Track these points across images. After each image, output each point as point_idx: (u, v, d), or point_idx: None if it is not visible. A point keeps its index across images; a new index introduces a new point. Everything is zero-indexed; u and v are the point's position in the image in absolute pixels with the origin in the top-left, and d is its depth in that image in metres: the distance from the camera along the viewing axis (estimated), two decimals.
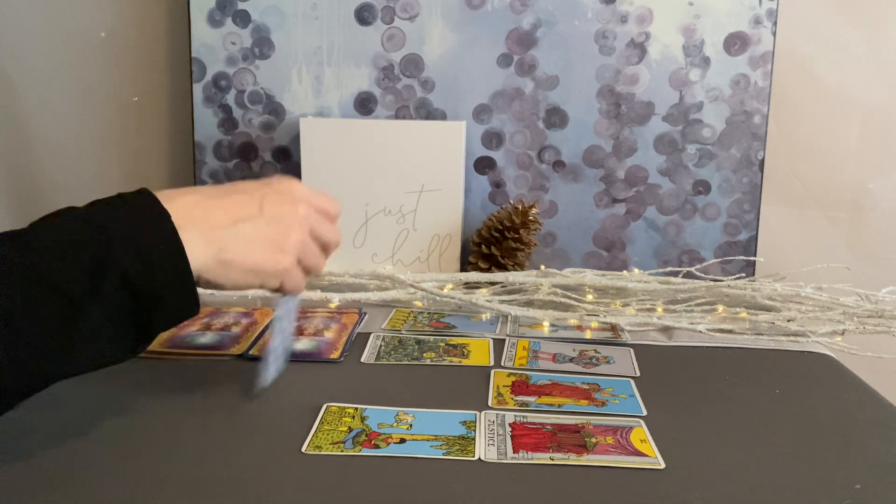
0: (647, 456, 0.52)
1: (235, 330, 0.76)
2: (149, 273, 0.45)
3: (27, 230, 0.45)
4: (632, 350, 0.73)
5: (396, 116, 0.99)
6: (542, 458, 0.51)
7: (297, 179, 0.57)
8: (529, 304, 0.83)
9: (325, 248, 0.58)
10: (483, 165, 0.99)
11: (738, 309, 0.81)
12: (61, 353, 0.43)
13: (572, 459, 0.51)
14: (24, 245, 0.44)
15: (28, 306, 0.42)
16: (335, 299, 0.85)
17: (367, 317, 0.82)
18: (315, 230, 0.56)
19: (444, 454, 0.51)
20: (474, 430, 0.55)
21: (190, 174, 1.02)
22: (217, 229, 0.50)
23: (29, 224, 0.46)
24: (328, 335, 0.75)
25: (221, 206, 0.51)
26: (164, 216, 0.47)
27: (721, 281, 0.84)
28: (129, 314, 0.45)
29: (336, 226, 0.59)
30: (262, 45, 0.98)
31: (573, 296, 0.82)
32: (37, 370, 0.43)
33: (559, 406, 0.60)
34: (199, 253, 0.48)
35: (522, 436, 0.54)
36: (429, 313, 0.83)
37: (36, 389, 0.44)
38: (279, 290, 0.55)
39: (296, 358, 0.69)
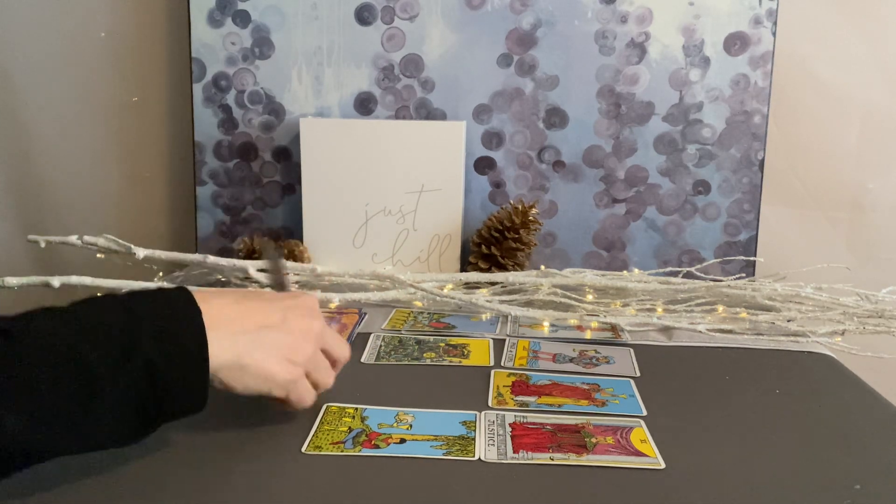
0: (647, 456, 0.52)
1: None
2: (170, 364, 0.47)
3: (66, 308, 0.47)
4: (632, 350, 0.73)
5: (396, 116, 0.99)
6: (542, 458, 0.51)
7: (314, 296, 0.60)
8: (529, 304, 0.83)
9: (335, 364, 0.60)
10: (483, 165, 0.99)
11: (738, 309, 0.81)
12: (73, 429, 0.44)
13: (572, 459, 0.51)
14: (59, 320, 0.45)
15: (52, 379, 0.43)
16: (335, 299, 0.85)
17: (367, 317, 0.82)
18: (328, 345, 0.59)
19: (444, 454, 0.51)
20: (474, 430, 0.55)
21: (190, 174, 1.02)
22: (241, 334, 0.52)
23: (70, 303, 0.48)
24: None
25: (249, 310, 0.54)
26: (196, 313, 0.49)
27: (721, 281, 0.84)
28: (142, 402, 0.46)
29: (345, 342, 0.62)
30: (262, 45, 0.98)
31: (573, 296, 0.82)
32: (47, 442, 0.44)
33: (559, 406, 0.60)
34: (221, 354, 0.50)
35: (522, 436, 0.54)
36: (429, 313, 0.83)
37: (39, 460, 0.45)
38: (285, 400, 0.56)
39: None
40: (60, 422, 0.44)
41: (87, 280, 0.81)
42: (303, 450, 0.52)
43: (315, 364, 0.57)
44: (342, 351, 0.60)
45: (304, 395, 0.56)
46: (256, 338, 0.53)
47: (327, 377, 0.59)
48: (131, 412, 0.46)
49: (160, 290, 0.51)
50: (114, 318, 0.47)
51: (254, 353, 0.52)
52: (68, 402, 0.43)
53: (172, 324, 0.48)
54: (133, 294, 0.50)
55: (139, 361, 0.45)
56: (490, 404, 0.60)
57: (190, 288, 0.52)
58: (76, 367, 0.44)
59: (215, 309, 0.50)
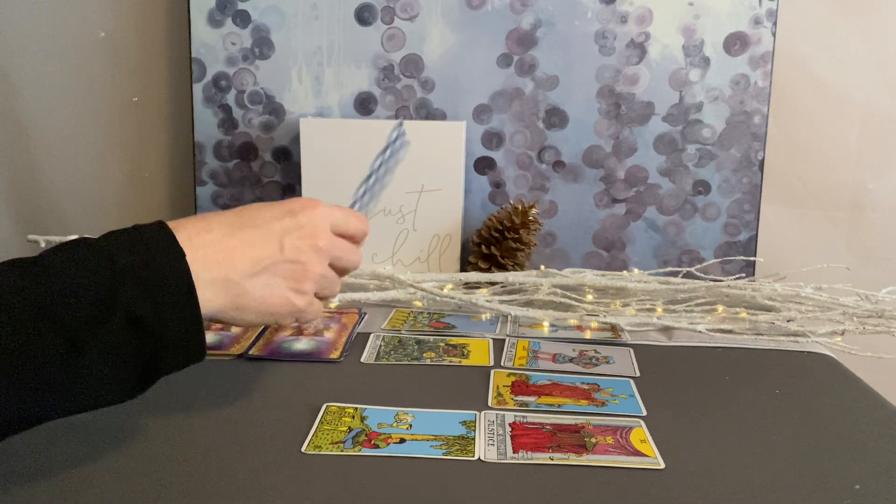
0: (646, 456, 0.52)
1: (235, 330, 0.76)
2: (157, 315, 0.43)
3: (37, 259, 0.44)
4: (632, 350, 0.73)
5: (396, 116, 0.99)
6: (542, 458, 0.51)
7: (319, 202, 0.54)
8: (529, 304, 0.83)
9: (343, 272, 0.56)
10: (483, 165, 0.99)
11: (738, 309, 0.81)
12: (58, 390, 0.42)
13: (572, 459, 0.51)
14: (31, 275, 0.42)
15: (28, 340, 0.40)
16: (335, 299, 0.85)
17: (367, 317, 0.82)
18: (335, 259, 0.55)
19: (443, 454, 0.51)
20: (474, 430, 0.55)
21: (190, 174, 1.02)
22: (234, 275, 0.48)
23: (41, 252, 0.44)
24: (328, 335, 0.75)
25: (240, 245, 0.49)
26: (180, 257, 0.45)
27: (721, 281, 0.84)
28: (132, 356, 0.43)
29: (360, 248, 0.58)
30: (262, 45, 0.98)
31: (573, 296, 0.82)
32: (30, 406, 0.42)
33: (559, 406, 0.60)
34: (214, 299, 0.47)
35: (522, 436, 0.54)
36: (429, 313, 0.83)
37: (26, 427, 0.43)
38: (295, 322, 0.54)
39: (295, 358, 0.70)
40: (44, 383, 0.41)
41: None
42: (302, 450, 0.52)
43: (322, 283, 0.54)
44: (352, 260, 0.56)
45: (317, 312, 0.54)
46: (252, 277, 0.49)
47: (335, 289, 0.55)
48: (124, 368, 0.43)
49: (136, 229, 0.46)
50: (88, 267, 0.43)
51: (250, 293, 0.49)
52: (47, 362, 0.41)
53: (153, 271, 0.44)
54: (109, 237, 0.45)
55: (120, 315, 0.42)
56: (490, 404, 0.60)
57: (171, 221, 0.47)
58: (52, 324, 0.41)
59: (201, 249, 0.46)
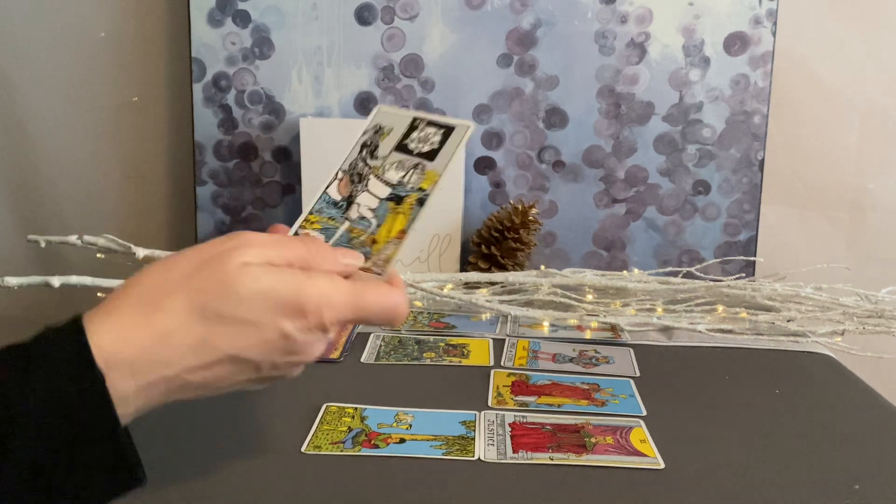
0: (646, 456, 0.52)
1: None
2: (69, 471, 0.35)
3: None
4: (632, 350, 0.73)
5: None
6: (542, 458, 0.51)
7: (337, 299, 0.41)
8: (529, 304, 0.83)
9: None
10: (483, 165, 0.99)
11: (737, 309, 0.81)
12: None
13: (572, 459, 0.51)
14: None
15: None
16: None
17: None
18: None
19: (443, 454, 0.51)
20: (474, 430, 0.55)
21: (190, 174, 1.02)
22: (186, 396, 0.39)
23: None
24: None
25: (208, 378, 0.39)
26: (106, 408, 0.34)
27: (721, 281, 0.84)
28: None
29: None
30: (262, 45, 0.98)
31: (573, 296, 0.82)
32: None
33: (559, 406, 0.60)
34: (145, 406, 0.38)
35: (522, 436, 0.54)
36: (429, 313, 0.83)
37: None
38: None
39: None
40: None
41: (87, 280, 0.81)
42: (303, 450, 0.52)
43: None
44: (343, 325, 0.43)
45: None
46: (205, 391, 0.40)
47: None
48: None
49: (45, 356, 0.35)
50: None
51: (199, 396, 0.40)
52: None
53: (70, 433, 0.34)
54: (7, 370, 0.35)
55: (20, 467, 0.34)
56: (490, 404, 0.60)
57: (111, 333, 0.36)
58: None
59: (145, 384, 0.36)
